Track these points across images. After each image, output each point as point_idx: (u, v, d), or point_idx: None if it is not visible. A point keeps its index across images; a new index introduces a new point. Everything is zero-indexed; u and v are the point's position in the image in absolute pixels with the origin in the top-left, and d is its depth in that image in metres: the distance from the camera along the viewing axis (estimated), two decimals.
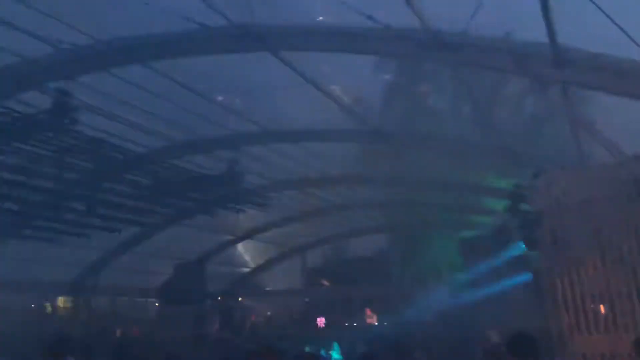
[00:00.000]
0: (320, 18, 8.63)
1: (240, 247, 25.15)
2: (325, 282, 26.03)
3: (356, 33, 8.19)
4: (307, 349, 10.01)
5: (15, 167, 11.42)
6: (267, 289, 27.48)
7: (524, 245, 9.34)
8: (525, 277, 12.36)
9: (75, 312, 19.90)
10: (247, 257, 26.43)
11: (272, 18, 8.40)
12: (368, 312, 21.97)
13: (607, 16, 5.73)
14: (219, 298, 23.93)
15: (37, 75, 9.82)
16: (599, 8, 5.66)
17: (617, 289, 7.89)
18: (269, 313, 24.23)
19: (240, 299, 25.69)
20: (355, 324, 21.43)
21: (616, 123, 7.71)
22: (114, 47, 9.34)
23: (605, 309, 8.00)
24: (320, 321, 22.53)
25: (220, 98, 11.48)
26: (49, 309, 19.76)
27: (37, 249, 15.17)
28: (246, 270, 26.83)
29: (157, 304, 22.65)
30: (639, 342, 4.51)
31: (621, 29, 5.75)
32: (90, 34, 8.94)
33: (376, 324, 21.42)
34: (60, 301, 20.38)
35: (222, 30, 8.71)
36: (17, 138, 10.40)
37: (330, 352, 11.24)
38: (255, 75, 10.60)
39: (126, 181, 13.70)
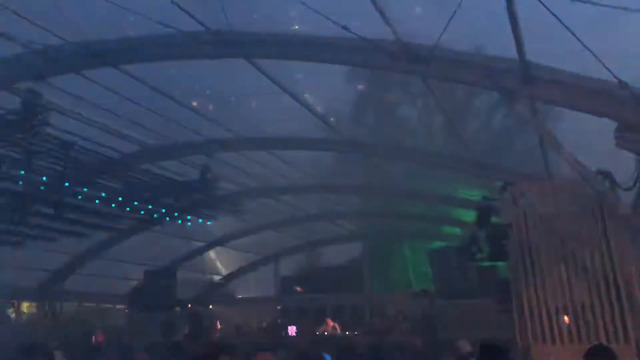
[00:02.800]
0: (296, 27, 8.68)
1: (212, 254, 24.95)
2: (299, 289, 25.96)
3: (331, 43, 8.27)
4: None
5: None
6: (239, 296, 27.29)
7: (492, 257, 9.48)
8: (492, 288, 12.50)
9: (40, 317, 19.45)
10: (219, 265, 26.23)
11: (248, 25, 8.42)
12: (329, 322, 21.82)
13: (574, 35, 5.90)
14: (189, 305, 23.65)
15: (7, 75, 9.64)
16: (567, 28, 5.82)
17: (581, 301, 8.08)
18: (239, 321, 24.00)
19: (210, 306, 25.43)
20: (326, 333, 21.34)
21: (581, 139, 7.92)
22: (86, 49, 9.22)
23: (569, 320, 8.17)
24: (292, 329, 22.42)
25: (194, 103, 11.42)
26: (12, 314, 19.27)
27: (1, 253, 14.81)
28: (218, 277, 26.63)
29: (126, 311, 22.28)
30: (591, 352, 4.58)
31: (588, 49, 5.92)
32: (62, 36, 8.82)
33: (339, 332, 21.31)
34: (25, 306, 19.90)
35: (198, 36, 8.69)
36: None
37: None
38: (230, 81, 10.60)
39: (96, 185, 13.51)
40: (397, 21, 7.20)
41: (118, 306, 22.53)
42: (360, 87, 10.14)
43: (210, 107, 11.61)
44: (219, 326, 23.37)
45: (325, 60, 8.79)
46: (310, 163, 15.05)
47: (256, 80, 9.62)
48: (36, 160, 11.46)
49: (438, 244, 20.85)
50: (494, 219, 9.48)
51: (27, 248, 14.94)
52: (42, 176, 12.05)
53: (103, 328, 20.58)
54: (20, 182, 11.88)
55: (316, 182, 16.88)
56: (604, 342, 7.38)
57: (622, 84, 6.09)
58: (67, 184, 12.59)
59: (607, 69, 5.86)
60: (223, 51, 8.82)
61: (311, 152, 14.09)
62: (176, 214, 16.07)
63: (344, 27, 7.31)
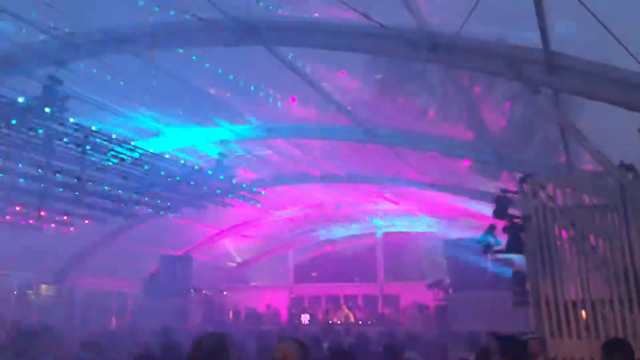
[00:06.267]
0: (316, 14, 8.56)
1: (227, 241, 25.10)
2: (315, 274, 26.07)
3: (351, 31, 8.17)
4: None
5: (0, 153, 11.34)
6: (253, 283, 27.46)
7: (508, 249, 9.38)
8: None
9: (57, 300, 19.75)
10: (233, 251, 26.39)
11: (267, 12, 8.35)
12: (345, 308, 22.02)
13: (602, 23, 5.76)
14: (204, 291, 23.86)
15: (27, 61, 9.70)
16: (594, 15, 5.69)
17: (599, 295, 7.97)
18: (253, 308, 24.17)
19: (225, 292, 25.62)
20: (339, 322, 21.44)
21: (604, 130, 7.76)
22: (106, 36, 9.24)
23: (586, 314, 8.07)
24: (304, 318, 22.56)
25: (212, 91, 11.41)
26: (31, 297, 19.58)
27: (20, 236, 15.03)
28: (232, 264, 26.80)
29: (140, 295, 22.52)
30: (608, 345, 4.55)
31: (615, 37, 5.78)
32: (83, 22, 8.85)
33: (352, 320, 21.43)
34: (43, 289, 20.20)
35: (216, 23, 8.64)
36: (4, 123, 10.29)
37: None
38: (249, 69, 10.52)
39: (114, 171, 13.60)
40: (419, 9, 7.10)
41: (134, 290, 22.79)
42: (378, 76, 10.00)
43: (229, 94, 11.58)
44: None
45: (344, 49, 8.68)
46: (326, 152, 15.01)
47: (275, 68, 9.56)
48: (55, 146, 11.58)
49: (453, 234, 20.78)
50: (512, 211, 9.37)
51: (46, 232, 15.16)
52: (62, 161, 12.18)
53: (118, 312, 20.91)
54: (39, 167, 12.01)
55: (332, 171, 16.86)
56: (622, 337, 7.28)
57: None
58: (85, 169, 12.71)
59: (634, 58, 5.72)
60: (242, 38, 8.76)
61: (327, 140, 14.03)
62: (193, 200, 16.16)
63: (365, 15, 7.23)
